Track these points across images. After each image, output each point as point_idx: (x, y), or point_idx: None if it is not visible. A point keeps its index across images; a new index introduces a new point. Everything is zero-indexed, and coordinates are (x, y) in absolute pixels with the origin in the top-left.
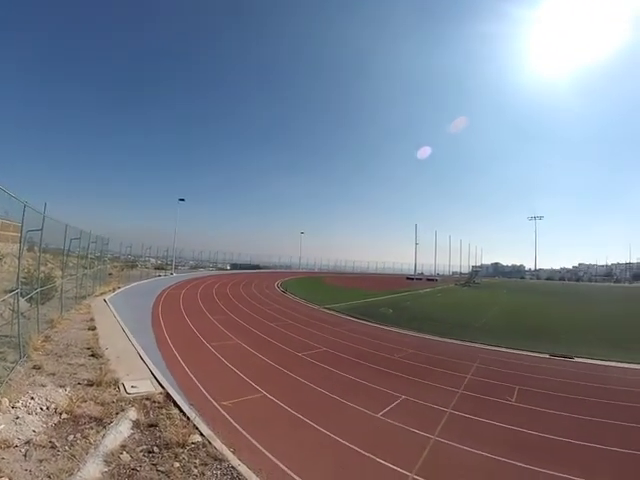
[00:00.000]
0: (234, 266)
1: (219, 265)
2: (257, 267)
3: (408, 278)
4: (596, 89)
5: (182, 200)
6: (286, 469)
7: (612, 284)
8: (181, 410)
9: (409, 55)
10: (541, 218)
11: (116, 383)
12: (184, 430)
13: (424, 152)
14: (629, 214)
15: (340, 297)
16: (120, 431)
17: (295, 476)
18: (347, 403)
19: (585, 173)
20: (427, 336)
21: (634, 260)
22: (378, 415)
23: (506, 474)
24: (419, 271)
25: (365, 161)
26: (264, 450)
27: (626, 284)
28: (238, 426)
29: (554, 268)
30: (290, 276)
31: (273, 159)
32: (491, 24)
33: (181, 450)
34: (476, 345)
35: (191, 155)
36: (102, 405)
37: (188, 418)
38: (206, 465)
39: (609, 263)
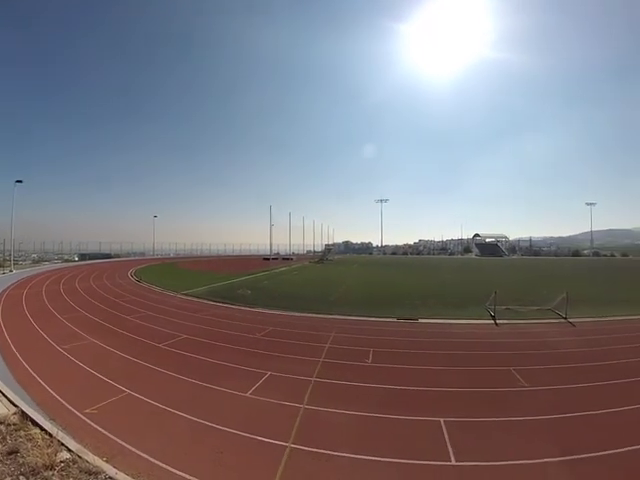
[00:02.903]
0: (82, 257)
1: (66, 257)
2: (108, 256)
3: (265, 259)
4: (454, 93)
5: (19, 182)
6: (165, 466)
7: (447, 256)
8: (42, 428)
9: (282, 44)
10: (386, 201)
11: None
12: (49, 450)
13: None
14: (461, 199)
15: (198, 282)
16: None
17: (176, 471)
18: (215, 387)
19: (428, 163)
20: (286, 312)
21: (464, 237)
22: (247, 394)
23: (373, 426)
24: (275, 251)
25: (230, 144)
26: (139, 452)
27: (458, 256)
28: (107, 432)
29: (398, 244)
30: (144, 263)
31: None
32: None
33: (51, 473)
34: (332, 317)
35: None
36: None
37: (51, 435)
38: None
39: (444, 239)
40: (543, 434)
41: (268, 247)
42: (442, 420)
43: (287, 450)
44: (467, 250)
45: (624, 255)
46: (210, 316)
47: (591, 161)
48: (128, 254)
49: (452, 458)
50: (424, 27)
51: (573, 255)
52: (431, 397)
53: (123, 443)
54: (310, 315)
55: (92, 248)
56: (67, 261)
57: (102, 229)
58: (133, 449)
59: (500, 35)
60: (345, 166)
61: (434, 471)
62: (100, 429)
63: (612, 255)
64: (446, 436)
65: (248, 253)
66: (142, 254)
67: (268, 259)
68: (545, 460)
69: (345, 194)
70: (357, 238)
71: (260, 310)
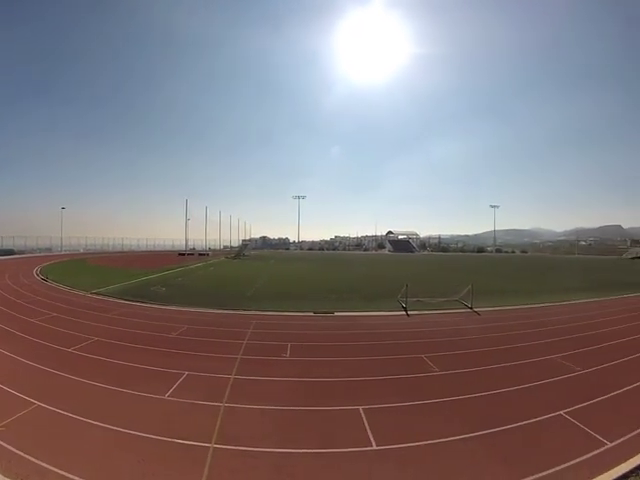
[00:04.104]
0: None
1: None
2: (11, 252)
3: (180, 254)
4: (376, 97)
5: None
6: None
7: (362, 252)
8: None
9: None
10: (304, 197)
11: None
12: None
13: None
14: (377, 197)
15: (109, 279)
16: None
17: None
18: (131, 392)
19: (346, 162)
20: (202, 310)
21: (379, 233)
22: (165, 397)
23: (294, 419)
24: (191, 247)
25: (146, 133)
26: (55, 469)
27: (373, 252)
28: (18, 451)
29: (315, 240)
30: (52, 260)
31: None
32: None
33: None
34: (249, 312)
35: None
36: None
37: None
38: None
39: (359, 235)
40: (455, 414)
41: (184, 242)
42: (361, 408)
43: (210, 451)
44: (381, 246)
45: (523, 252)
46: (123, 316)
47: (497, 167)
48: (33, 250)
49: (373, 443)
50: (354, 33)
51: (478, 252)
52: (349, 387)
53: (37, 461)
54: (227, 312)
55: None
56: None
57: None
58: (49, 467)
59: (417, 51)
60: (265, 162)
61: (356, 457)
62: (10, 448)
63: (513, 252)
64: (366, 423)
65: (163, 249)
66: (49, 250)
67: (184, 255)
68: (459, 437)
69: (264, 190)
70: (274, 233)
71: (175, 308)
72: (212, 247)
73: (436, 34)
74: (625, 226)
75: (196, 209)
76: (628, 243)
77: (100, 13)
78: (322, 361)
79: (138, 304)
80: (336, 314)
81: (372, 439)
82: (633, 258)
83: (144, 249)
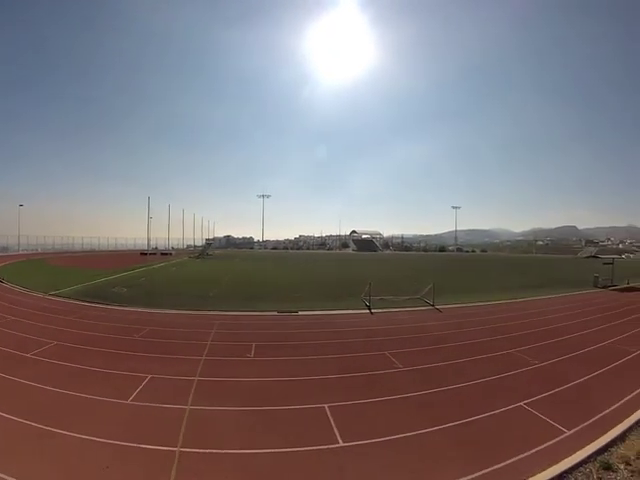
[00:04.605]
0: None
1: None
2: None
3: (142, 253)
4: (344, 99)
5: None
6: None
7: (326, 251)
8: None
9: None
10: (269, 196)
11: None
12: None
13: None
14: (341, 197)
15: (69, 280)
16: None
17: None
18: (94, 397)
19: (312, 162)
20: (165, 311)
21: (343, 233)
22: (129, 401)
23: (260, 420)
24: (153, 246)
25: (106, 131)
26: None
27: (337, 251)
28: None
29: (279, 239)
30: (8, 260)
31: None
32: None
33: None
34: (213, 313)
35: None
36: None
37: None
38: None
39: (324, 235)
40: (419, 408)
41: (146, 241)
42: (326, 406)
43: (177, 455)
44: (345, 245)
45: (483, 251)
46: (84, 318)
47: (458, 170)
48: None
49: (339, 440)
50: (323, 34)
51: (440, 251)
52: (314, 385)
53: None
54: (190, 312)
55: None
56: None
57: None
58: (6, 477)
59: (384, 54)
60: (229, 160)
61: (324, 454)
62: None
63: (473, 251)
64: (331, 420)
65: (125, 248)
66: (5, 249)
67: (146, 254)
68: (423, 431)
69: (228, 188)
70: (239, 233)
71: (138, 309)
72: (175, 246)
73: (402, 39)
74: (580, 227)
75: (159, 207)
76: (583, 243)
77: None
78: (287, 360)
79: (100, 306)
80: (300, 313)
81: (338, 436)
82: (587, 257)
83: (105, 248)
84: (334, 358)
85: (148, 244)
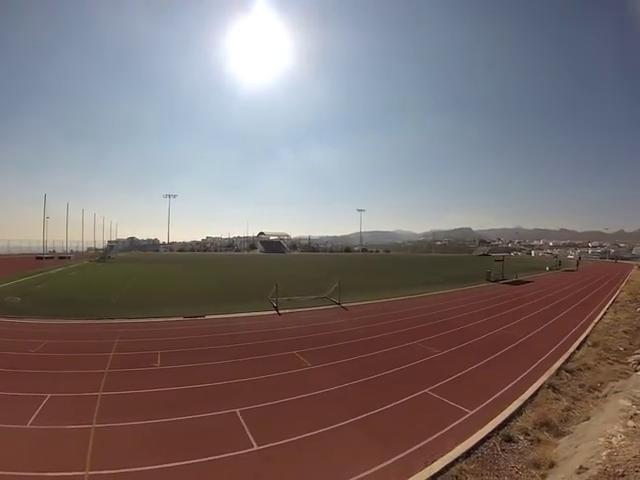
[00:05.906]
0: None
1: None
2: None
3: (38, 258)
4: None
5: None
6: None
7: (233, 253)
8: None
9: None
10: (175, 196)
11: None
12: None
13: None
14: (249, 198)
15: None
16: None
17: None
18: None
19: (220, 162)
20: (64, 321)
21: (250, 234)
22: (28, 425)
23: (170, 431)
24: (50, 249)
25: None
26: None
27: (244, 253)
28: None
29: (186, 241)
30: None
31: None
32: None
33: None
34: (115, 321)
35: None
36: None
37: None
38: None
39: (231, 236)
40: (331, 404)
41: (42, 244)
42: (238, 410)
43: (86, 479)
44: (253, 247)
45: (387, 251)
46: None
47: (364, 173)
48: None
49: (254, 444)
50: (241, 36)
51: (345, 251)
52: (224, 390)
53: None
54: (91, 322)
55: None
56: None
57: None
58: None
59: (302, 60)
60: (133, 156)
61: (240, 460)
62: None
63: (377, 251)
64: (244, 425)
65: (19, 251)
66: None
67: (42, 258)
68: (337, 425)
69: (131, 187)
70: (143, 234)
71: (33, 321)
72: (75, 249)
73: (318, 46)
74: (475, 228)
75: (56, 206)
76: (477, 243)
77: None
78: (195, 367)
79: None
80: (207, 317)
81: (253, 440)
82: (480, 255)
83: None
84: (243, 361)
85: (44, 247)
